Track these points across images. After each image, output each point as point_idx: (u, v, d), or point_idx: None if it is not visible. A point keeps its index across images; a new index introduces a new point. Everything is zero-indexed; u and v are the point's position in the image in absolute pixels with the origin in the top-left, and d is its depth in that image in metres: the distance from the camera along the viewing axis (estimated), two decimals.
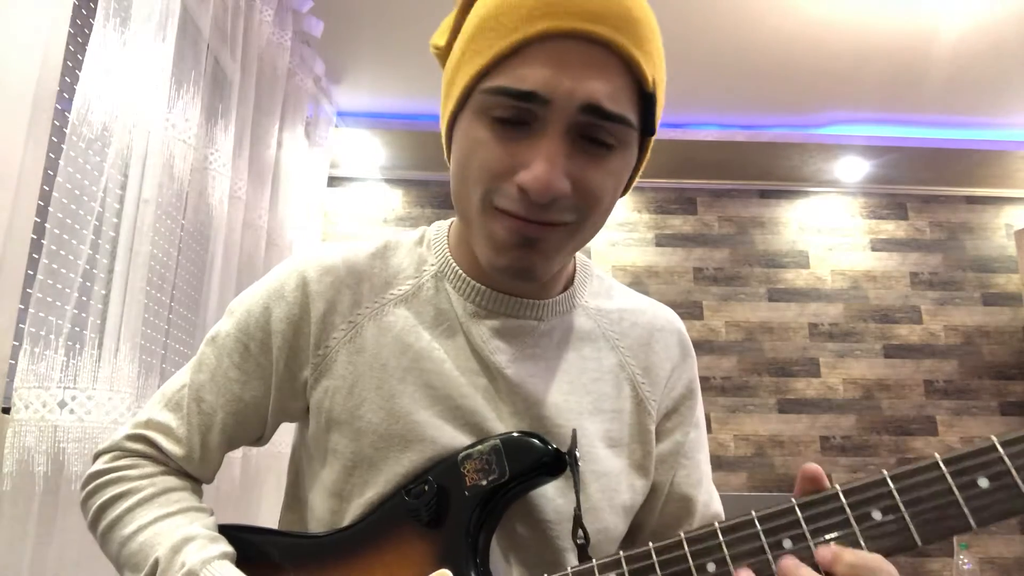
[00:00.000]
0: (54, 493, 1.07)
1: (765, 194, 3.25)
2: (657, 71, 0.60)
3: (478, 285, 0.70)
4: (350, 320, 0.69)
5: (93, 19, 1.18)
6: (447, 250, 0.72)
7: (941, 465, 0.48)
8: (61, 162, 1.10)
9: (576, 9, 0.54)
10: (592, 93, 0.55)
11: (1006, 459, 0.46)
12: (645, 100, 0.59)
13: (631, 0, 0.57)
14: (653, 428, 0.73)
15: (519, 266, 0.61)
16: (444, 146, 0.67)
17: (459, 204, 0.64)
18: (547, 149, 0.56)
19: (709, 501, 0.76)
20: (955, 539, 2.59)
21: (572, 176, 0.58)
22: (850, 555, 0.47)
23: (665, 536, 0.74)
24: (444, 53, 0.66)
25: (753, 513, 0.52)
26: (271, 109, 1.98)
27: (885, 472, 0.49)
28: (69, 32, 1.14)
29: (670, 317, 0.80)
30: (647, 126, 0.60)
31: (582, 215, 0.61)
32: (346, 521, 0.66)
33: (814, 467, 0.52)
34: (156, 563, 0.62)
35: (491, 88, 0.57)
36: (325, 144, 2.57)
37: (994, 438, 0.47)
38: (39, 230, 1.09)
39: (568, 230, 0.61)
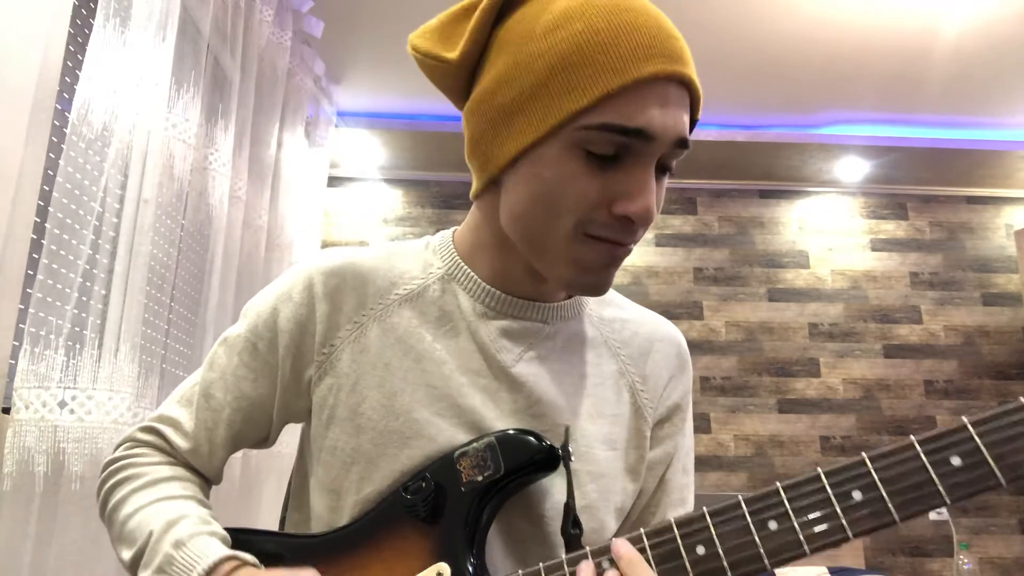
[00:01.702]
0: (54, 493, 1.07)
1: (765, 194, 3.26)
2: None
3: (489, 287, 0.72)
4: (355, 320, 0.71)
5: (93, 19, 1.19)
6: (455, 255, 0.75)
7: (916, 445, 0.50)
8: (61, 162, 1.10)
9: (671, 53, 0.59)
10: (685, 130, 0.61)
11: (976, 438, 0.49)
12: (691, 124, 0.65)
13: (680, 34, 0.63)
14: (649, 434, 0.75)
15: (602, 283, 0.66)
16: (493, 172, 0.66)
17: (533, 232, 0.64)
18: (644, 180, 0.60)
19: (678, 505, 0.78)
20: (955, 539, 2.59)
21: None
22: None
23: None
24: (453, 67, 0.65)
25: (740, 497, 0.54)
26: (271, 109, 1.98)
27: (864, 454, 0.52)
28: (69, 32, 1.14)
29: (671, 330, 0.82)
30: None
31: (647, 227, 0.65)
32: (344, 517, 0.68)
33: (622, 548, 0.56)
34: (150, 535, 0.64)
35: (597, 125, 0.59)
36: (325, 144, 2.57)
37: (965, 419, 0.50)
38: (39, 230, 1.09)
39: (639, 239, 0.66)
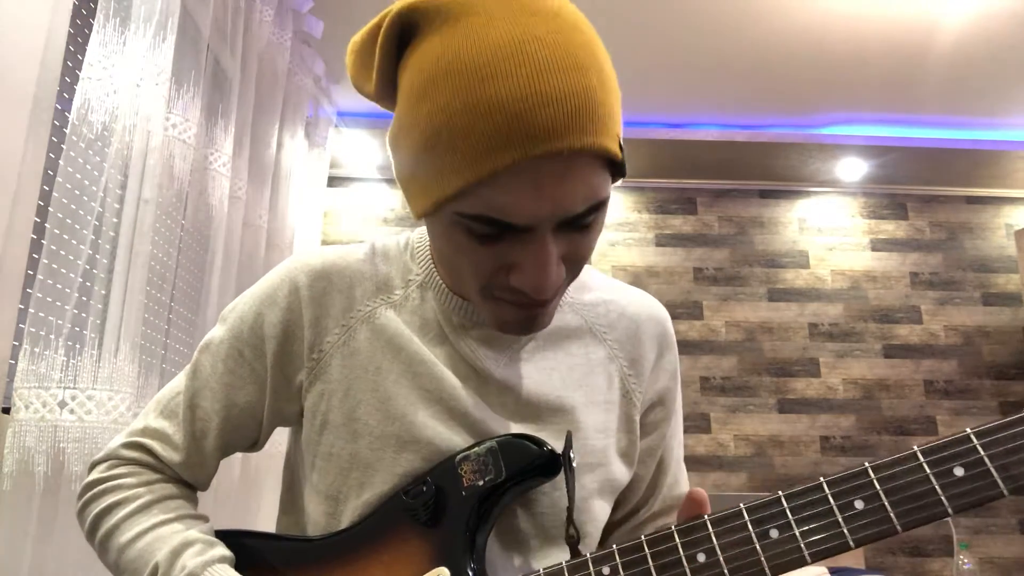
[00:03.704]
0: (54, 493, 1.07)
1: (765, 194, 3.25)
2: (619, 121, 0.58)
3: (460, 300, 0.71)
4: (343, 324, 0.70)
5: (93, 19, 1.19)
6: (431, 261, 0.73)
7: (919, 455, 0.50)
8: (61, 162, 1.10)
9: (539, 130, 0.51)
10: (570, 207, 0.54)
11: (980, 449, 0.49)
12: (616, 165, 0.58)
13: (578, 74, 0.53)
14: (638, 419, 0.75)
15: (530, 330, 0.63)
16: (415, 215, 0.64)
17: (454, 285, 0.67)
18: (535, 254, 0.55)
19: (674, 484, 0.80)
20: (955, 539, 2.59)
21: (564, 257, 0.58)
22: None
23: (631, 522, 0.77)
24: (377, 98, 0.62)
25: (741, 505, 0.54)
26: (271, 109, 1.98)
27: (867, 463, 0.52)
28: (69, 32, 1.14)
29: (655, 307, 0.81)
30: (618, 177, 0.60)
31: (575, 273, 0.62)
32: (343, 522, 0.67)
33: (699, 492, 0.56)
34: (156, 567, 0.62)
35: (466, 214, 0.55)
36: (325, 144, 2.57)
37: (968, 429, 0.50)
38: (39, 230, 1.09)
39: (565, 286, 0.62)
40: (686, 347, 2.99)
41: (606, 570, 0.56)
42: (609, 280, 0.82)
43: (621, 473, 0.73)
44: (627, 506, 0.78)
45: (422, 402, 0.67)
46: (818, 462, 2.96)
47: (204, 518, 0.71)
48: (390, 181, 3.17)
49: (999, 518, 2.93)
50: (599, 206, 0.57)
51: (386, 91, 0.61)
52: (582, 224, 0.57)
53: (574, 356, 0.73)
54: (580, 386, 0.72)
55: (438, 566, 0.62)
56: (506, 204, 0.53)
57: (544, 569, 0.59)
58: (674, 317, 2.99)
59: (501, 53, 0.52)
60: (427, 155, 0.55)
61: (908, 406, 3.03)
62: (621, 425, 0.74)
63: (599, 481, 0.70)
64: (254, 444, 0.76)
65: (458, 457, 0.64)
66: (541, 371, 0.71)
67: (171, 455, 0.71)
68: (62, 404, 1.09)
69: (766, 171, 3.13)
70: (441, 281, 0.71)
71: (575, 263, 0.60)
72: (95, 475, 0.71)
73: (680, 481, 0.81)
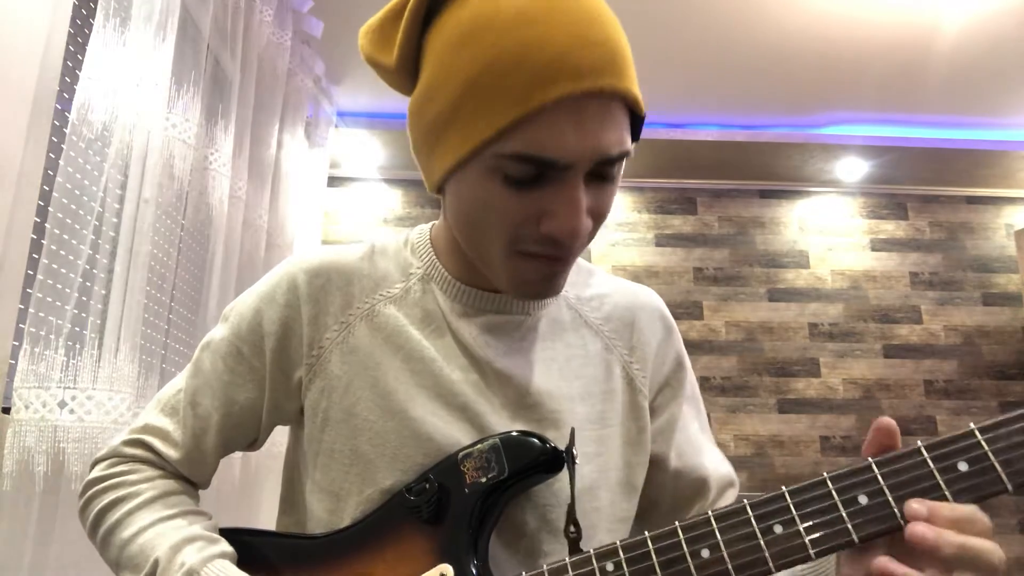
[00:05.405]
0: (54, 493, 1.07)
1: (765, 194, 3.26)
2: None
3: (464, 287, 0.72)
4: (342, 320, 0.71)
5: (93, 19, 1.18)
6: (432, 254, 0.74)
7: (923, 451, 0.50)
8: (61, 162, 1.10)
9: (583, 67, 0.55)
10: (608, 149, 0.57)
11: (983, 444, 0.49)
12: (636, 120, 0.62)
13: (610, 28, 0.58)
14: (646, 404, 0.75)
15: (546, 291, 0.65)
16: (431, 186, 0.67)
17: (473, 248, 0.65)
18: (569, 198, 0.58)
19: (719, 466, 0.78)
20: None
21: (589, 210, 0.60)
22: (947, 509, 0.48)
23: (685, 513, 0.76)
24: (393, 73, 0.64)
25: (745, 501, 0.54)
26: (271, 109, 1.98)
27: (870, 459, 0.52)
28: (69, 32, 1.14)
29: (649, 295, 0.82)
30: (636, 138, 0.63)
31: (594, 232, 0.64)
32: (345, 519, 0.68)
33: (888, 421, 0.53)
34: (156, 563, 0.62)
35: (508, 154, 0.57)
36: (325, 144, 2.57)
37: (973, 425, 0.50)
38: (39, 230, 1.09)
39: (584, 245, 0.64)
40: (686, 347, 2.98)
41: (610, 566, 0.56)
42: (604, 274, 0.83)
43: (630, 463, 0.73)
44: (665, 495, 0.76)
45: (421, 397, 0.68)
46: (818, 462, 2.96)
47: (207, 515, 0.71)
48: (390, 181, 3.17)
49: (999, 518, 2.93)
50: (623, 157, 0.60)
51: (408, 61, 0.63)
52: (608, 175, 0.60)
53: (572, 347, 0.74)
54: (578, 377, 0.72)
55: (441, 563, 0.62)
56: (550, 141, 0.56)
57: (547, 565, 0.59)
58: (674, 317, 2.99)
59: (543, 4, 0.56)
60: (470, 96, 0.57)
61: (908, 406, 3.03)
62: (628, 413, 0.74)
63: (601, 472, 0.70)
64: (254, 442, 0.76)
65: (461, 454, 0.64)
66: (540, 361, 0.71)
67: (172, 452, 0.71)
68: (62, 404, 1.09)
69: (766, 171, 3.14)
70: (444, 270, 0.72)
71: (596, 219, 0.62)
72: (97, 472, 0.72)
73: (722, 463, 0.78)
